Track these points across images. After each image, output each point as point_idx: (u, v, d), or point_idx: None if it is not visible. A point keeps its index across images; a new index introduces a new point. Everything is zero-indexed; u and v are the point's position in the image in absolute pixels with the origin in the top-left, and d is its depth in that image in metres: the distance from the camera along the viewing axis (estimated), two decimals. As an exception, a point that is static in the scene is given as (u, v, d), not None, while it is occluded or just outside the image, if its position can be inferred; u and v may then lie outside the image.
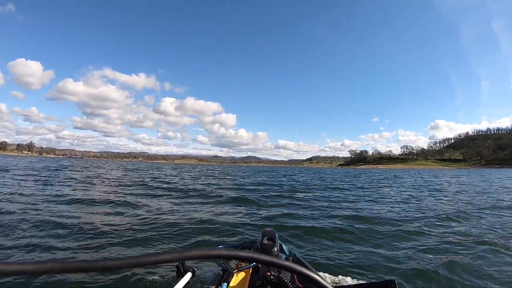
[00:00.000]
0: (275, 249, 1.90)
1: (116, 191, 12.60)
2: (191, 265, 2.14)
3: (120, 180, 18.96)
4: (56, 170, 26.56)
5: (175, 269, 2.05)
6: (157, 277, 3.97)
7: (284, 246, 2.85)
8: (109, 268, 0.41)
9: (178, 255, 0.48)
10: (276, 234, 2.02)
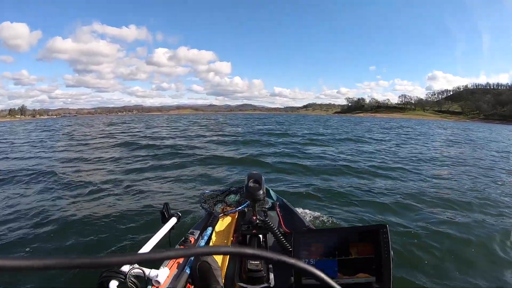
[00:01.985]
0: (261, 192, 1.81)
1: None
2: (176, 210, 2.11)
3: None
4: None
5: (160, 215, 2.03)
6: (142, 223, 4.03)
7: (271, 192, 2.83)
8: (114, 264, 0.42)
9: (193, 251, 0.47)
10: (263, 177, 1.93)
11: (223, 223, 2.23)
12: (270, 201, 2.68)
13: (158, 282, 1.41)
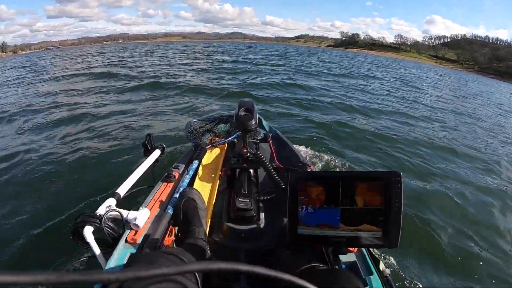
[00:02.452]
0: (253, 122, 1.60)
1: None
2: (160, 142, 1.93)
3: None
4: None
5: (142, 147, 1.86)
6: (123, 156, 3.76)
7: (264, 122, 2.64)
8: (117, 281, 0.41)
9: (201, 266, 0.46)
10: (255, 106, 1.71)
11: (211, 156, 2.06)
12: (262, 132, 2.50)
13: (137, 226, 1.28)
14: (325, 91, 9.58)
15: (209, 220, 1.47)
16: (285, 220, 1.26)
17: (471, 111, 10.02)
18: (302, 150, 3.83)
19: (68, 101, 7.10)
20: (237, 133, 2.19)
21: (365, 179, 1.03)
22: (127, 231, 1.28)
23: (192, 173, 1.74)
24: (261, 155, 1.63)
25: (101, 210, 1.25)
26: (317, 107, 7.25)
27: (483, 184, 4.02)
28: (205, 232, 1.32)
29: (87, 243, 1.16)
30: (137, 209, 1.35)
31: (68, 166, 3.55)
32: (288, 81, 10.34)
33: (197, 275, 0.93)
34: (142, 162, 1.71)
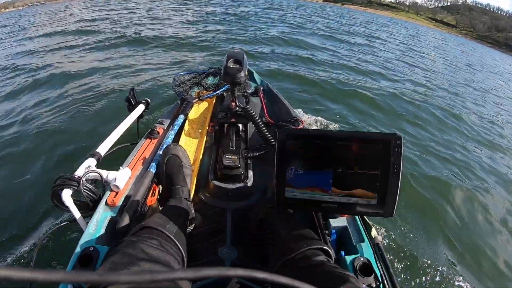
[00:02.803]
0: (242, 74, 1.50)
1: None
2: (144, 96, 1.85)
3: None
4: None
5: (126, 102, 1.77)
6: (105, 111, 3.53)
7: (255, 74, 2.57)
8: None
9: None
10: (245, 57, 1.59)
11: (198, 110, 1.98)
12: (253, 85, 2.39)
13: (117, 187, 1.22)
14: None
15: (195, 178, 1.42)
16: (273, 181, 1.15)
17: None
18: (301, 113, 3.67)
19: (43, 60, 6.55)
20: (226, 86, 2.10)
21: (362, 140, 0.95)
22: (108, 193, 1.21)
23: (178, 128, 1.67)
24: (251, 109, 1.57)
25: (79, 172, 1.19)
26: (316, 64, 6.97)
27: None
28: (189, 191, 1.28)
29: (67, 207, 1.11)
30: (118, 169, 1.28)
31: (45, 127, 3.32)
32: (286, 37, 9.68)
33: (181, 248, 0.90)
34: (126, 117, 1.63)
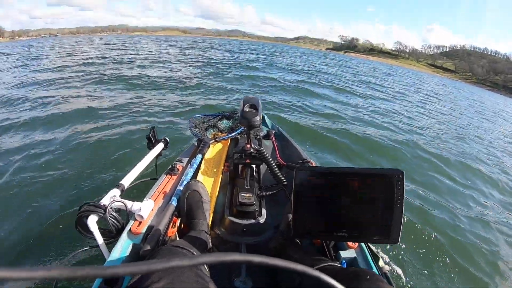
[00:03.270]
0: (257, 118, 1.62)
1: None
2: (164, 133, 1.98)
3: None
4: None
5: (146, 140, 1.86)
6: (127, 148, 3.75)
7: (266, 118, 2.67)
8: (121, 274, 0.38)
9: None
10: (260, 102, 1.73)
11: (214, 150, 2.08)
12: (265, 129, 2.53)
13: (141, 217, 1.29)
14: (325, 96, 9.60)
15: (212, 214, 1.47)
16: (287, 215, 1.27)
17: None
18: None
19: (67, 93, 7.00)
20: (241, 129, 2.21)
21: (368, 175, 1.04)
22: (131, 222, 1.29)
23: (196, 167, 1.75)
24: (264, 151, 1.65)
25: (105, 200, 1.26)
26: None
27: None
28: (208, 224, 1.34)
29: (91, 233, 1.16)
30: (140, 201, 1.35)
31: (71, 158, 3.55)
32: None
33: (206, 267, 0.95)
34: (146, 155, 1.72)
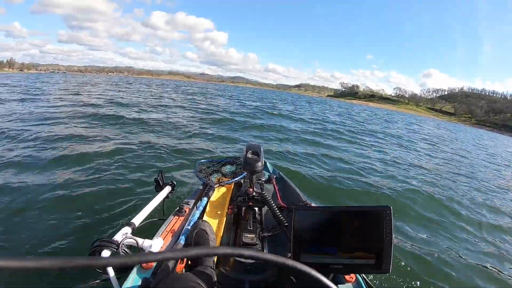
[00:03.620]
0: (259, 164, 1.75)
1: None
2: (171, 178, 2.09)
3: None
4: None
5: (154, 182, 1.99)
6: (136, 190, 3.86)
7: (268, 164, 2.80)
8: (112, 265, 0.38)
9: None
10: (262, 149, 1.87)
11: (218, 194, 2.18)
12: (266, 174, 2.64)
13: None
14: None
15: None
16: (288, 254, 1.30)
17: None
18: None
19: (74, 133, 7.20)
20: (244, 174, 2.32)
21: (360, 212, 1.15)
22: None
23: (202, 209, 1.85)
24: (266, 195, 1.76)
25: (118, 237, 1.35)
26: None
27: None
28: (214, 261, 1.41)
29: (104, 267, 1.23)
30: (150, 238, 1.44)
31: (80, 196, 3.65)
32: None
33: None
34: (155, 196, 1.83)
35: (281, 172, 2.74)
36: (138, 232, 1.52)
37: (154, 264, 1.34)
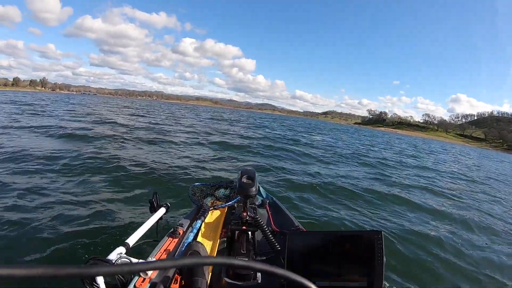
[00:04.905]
0: (253, 189, 1.77)
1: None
2: (165, 200, 2.14)
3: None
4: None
5: (149, 204, 2.05)
6: (130, 211, 4.00)
7: (261, 189, 2.84)
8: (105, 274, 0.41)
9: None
10: (256, 174, 1.89)
11: (212, 217, 2.24)
12: (260, 198, 2.67)
13: (146, 274, 1.41)
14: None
15: (210, 275, 1.58)
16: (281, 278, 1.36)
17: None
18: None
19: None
20: (237, 198, 2.38)
21: (352, 237, 1.21)
22: (136, 278, 1.41)
23: (196, 231, 1.92)
24: (260, 219, 1.80)
25: (112, 256, 1.39)
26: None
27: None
28: (207, 283, 1.44)
29: (97, 286, 1.25)
30: (144, 259, 1.50)
31: (75, 214, 3.79)
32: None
33: None
34: (149, 218, 1.89)
35: (274, 197, 2.79)
36: (133, 252, 1.56)
37: (147, 285, 1.40)
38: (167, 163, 7.18)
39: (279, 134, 20.54)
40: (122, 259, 1.37)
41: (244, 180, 1.81)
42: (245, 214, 1.82)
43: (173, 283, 1.45)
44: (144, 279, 1.41)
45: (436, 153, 26.80)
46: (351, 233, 1.25)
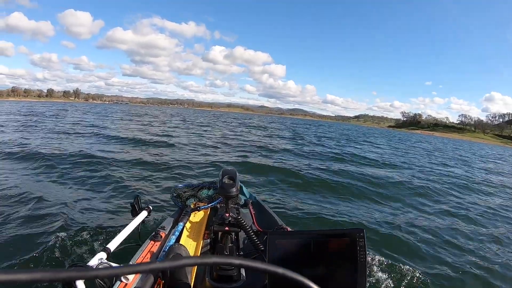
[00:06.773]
0: (234, 189, 1.78)
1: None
2: (147, 203, 2.20)
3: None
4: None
5: (130, 207, 2.07)
6: (111, 215, 3.97)
7: (244, 189, 2.80)
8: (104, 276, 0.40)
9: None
10: (237, 174, 1.89)
11: (195, 219, 2.22)
12: (243, 198, 2.65)
13: (127, 279, 1.41)
14: None
15: (194, 277, 1.59)
16: (264, 279, 1.37)
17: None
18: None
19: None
20: (220, 199, 2.33)
21: (334, 235, 1.22)
22: (118, 283, 1.40)
23: (178, 234, 1.90)
24: (242, 220, 1.80)
25: (92, 262, 1.41)
26: None
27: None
28: (190, 286, 1.46)
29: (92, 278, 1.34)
30: (126, 264, 1.53)
31: (52, 215, 3.81)
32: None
33: None
34: (131, 221, 1.90)
35: (257, 197, 2.78)
36: (114, 257, 1.56)
37: None
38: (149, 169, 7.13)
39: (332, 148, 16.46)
40: (103, 265, 1.37)
41: (225, 180, 1.81)
42: (227, 214, 1.82)
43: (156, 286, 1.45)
44: (126, 284, 1.41)
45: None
46: (332, 232, 1.24)
